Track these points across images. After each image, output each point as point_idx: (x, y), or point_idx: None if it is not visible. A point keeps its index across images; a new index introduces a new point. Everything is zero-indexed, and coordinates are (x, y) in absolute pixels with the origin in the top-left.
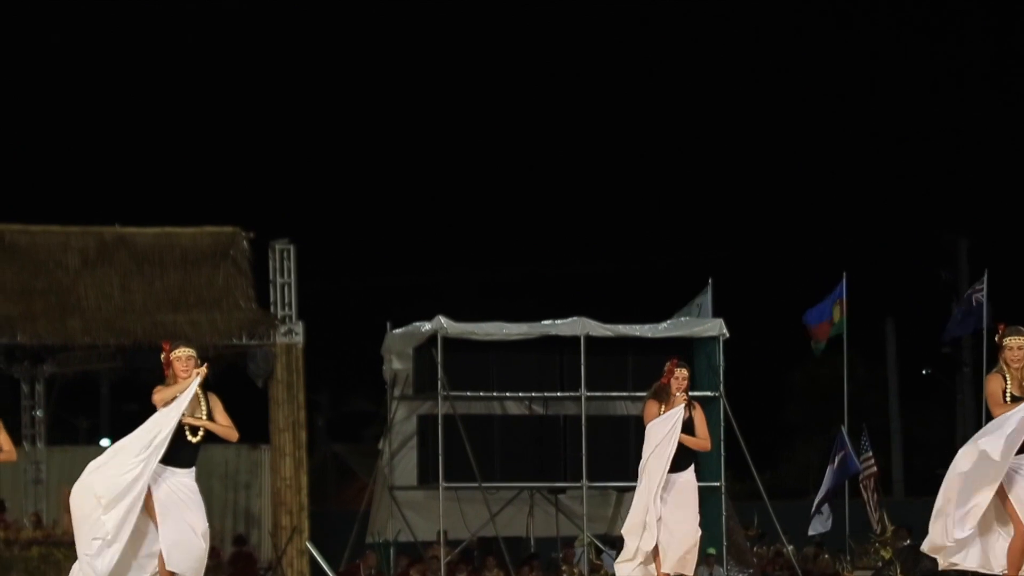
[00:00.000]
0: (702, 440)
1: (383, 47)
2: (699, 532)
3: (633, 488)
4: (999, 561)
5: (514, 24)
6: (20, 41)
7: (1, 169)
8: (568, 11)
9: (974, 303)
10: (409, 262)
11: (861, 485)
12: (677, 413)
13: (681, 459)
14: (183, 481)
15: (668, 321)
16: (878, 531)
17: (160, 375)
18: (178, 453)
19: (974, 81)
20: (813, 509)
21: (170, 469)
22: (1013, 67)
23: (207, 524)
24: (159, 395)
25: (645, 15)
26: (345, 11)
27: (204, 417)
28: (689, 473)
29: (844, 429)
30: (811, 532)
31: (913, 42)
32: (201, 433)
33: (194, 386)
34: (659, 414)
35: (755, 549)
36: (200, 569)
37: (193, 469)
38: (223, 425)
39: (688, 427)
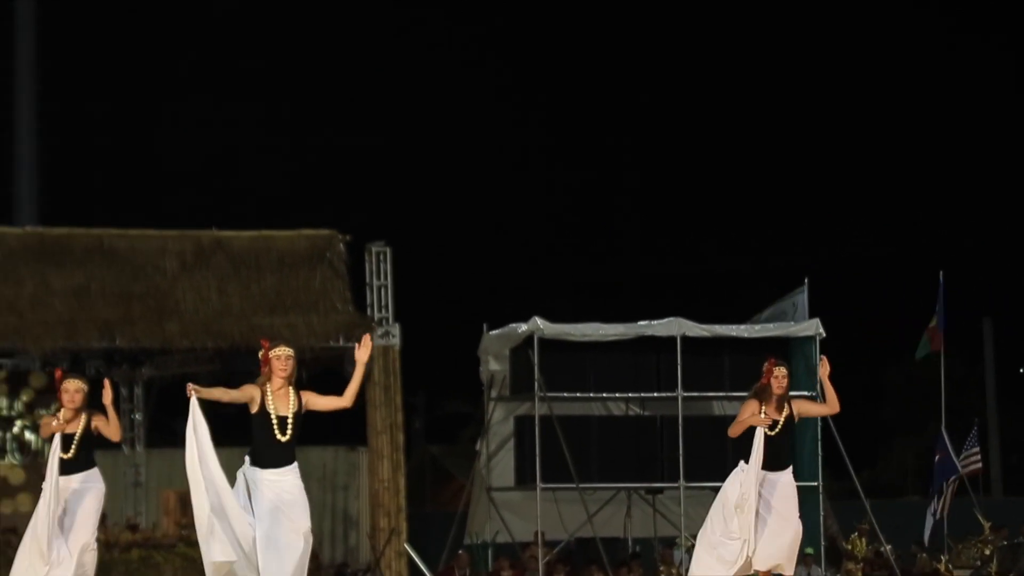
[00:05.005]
0: (832, 405)
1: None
2: (800, 530)
3: None
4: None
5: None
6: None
7: (99, 174)
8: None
9: None
10: (505, 263)
11: (958, 480)
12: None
13: (781, 459)
14: (281, 482)
15: (765, 314)
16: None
17: (256, 377)
18: (267, 453)
19: None
20: (932, 516)
21: (261, 471)
22: None
23: (309, 523)
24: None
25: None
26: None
27: (292, 413)
28: (788, 474)
29: (943, 429)
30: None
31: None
32: (290, 432)
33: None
34: (759, 412)
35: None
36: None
37: (288, 468)
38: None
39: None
